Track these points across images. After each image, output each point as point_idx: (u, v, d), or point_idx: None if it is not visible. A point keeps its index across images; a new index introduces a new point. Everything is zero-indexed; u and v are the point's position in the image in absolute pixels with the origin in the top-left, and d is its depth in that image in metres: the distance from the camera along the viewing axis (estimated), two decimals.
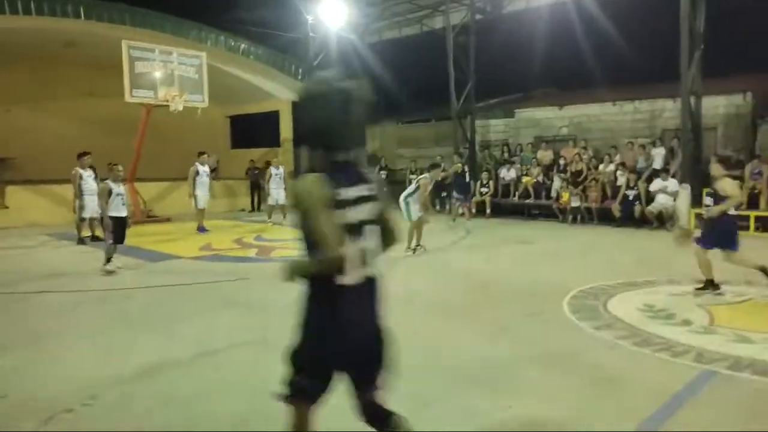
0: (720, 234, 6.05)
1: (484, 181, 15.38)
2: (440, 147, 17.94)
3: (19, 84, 16.09)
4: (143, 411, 3.40)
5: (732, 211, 6.08)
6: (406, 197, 9.07)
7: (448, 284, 6.99)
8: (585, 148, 14.69)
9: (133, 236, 8.67)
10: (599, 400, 3.52)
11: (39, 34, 14.26)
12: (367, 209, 2.11)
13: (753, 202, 11.59)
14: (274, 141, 20.19)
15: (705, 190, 12.00)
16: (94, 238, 10.49)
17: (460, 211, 14.03)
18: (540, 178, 14.79)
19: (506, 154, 16.56)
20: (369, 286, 2.17)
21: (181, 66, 13.80)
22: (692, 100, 12.62)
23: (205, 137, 17.40)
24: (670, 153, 13.47)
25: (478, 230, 12.37)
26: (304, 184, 2.03)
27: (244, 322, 5.33)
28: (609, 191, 13.14)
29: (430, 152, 18.49)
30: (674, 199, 12.12)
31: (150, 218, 13.97)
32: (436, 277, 7.41)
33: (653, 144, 13.82)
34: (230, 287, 6.95)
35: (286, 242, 10.98)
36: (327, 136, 2.06)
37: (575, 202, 13.48)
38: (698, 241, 6.25)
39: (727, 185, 6.10)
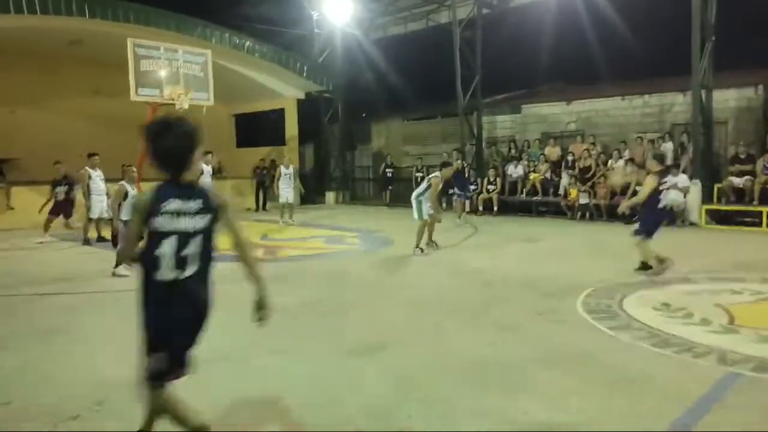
0: (653, 224, 6.73)
1: (491, 178, 15.25)
2: (447, 144, 17.79)
3: (24, 84, 16.02)
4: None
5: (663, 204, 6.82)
6: (418, 196, 9.00)
7: (458, 283, 6.89)
8: (594, 143, 14.53)
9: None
10: (621, 403, 3.40)
11: (44, 32, 14.18)
12: (187, 221, 2.51)
13: (765, 197, 11.41)
14: (279, 139, 20.11)
15: (718, 187, 12.04)
16: (100, 239, 10.43)
17: (467, 208, 13.98)
18: (548, 175, 14.65)
19: (513, 151, 16.42)
20: (183, 283, 2.52)
21: (186, 64, 13.73)
22: (703, 93, 12.45)
23: (211, 136, 17.13)
24: (681, 147, 13.30)
25: (485, 228, 12.25)
26: (138, 195, 2.48)
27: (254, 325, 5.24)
28: (618, 187, 12.98)
29: (436, 149, 18.37)
30: (685, 195, 11.96)
31: None
32: (446, 276, 7.31)
33: (662, 139, 13.65)
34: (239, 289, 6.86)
35: (293, 241, 10.91)
36: (161, 161, 2.55)
37: (583, 199, 13.34)
38: (637, 232, 6.79)
39: (646, 181, 6.82)
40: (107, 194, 10.06)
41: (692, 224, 11.97)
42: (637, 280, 6.61)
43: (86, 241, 10.45)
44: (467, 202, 14.43)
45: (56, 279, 7.45)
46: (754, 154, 12.18)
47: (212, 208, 2.57)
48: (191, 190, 2.55)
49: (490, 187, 15.18)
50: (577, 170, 13.90)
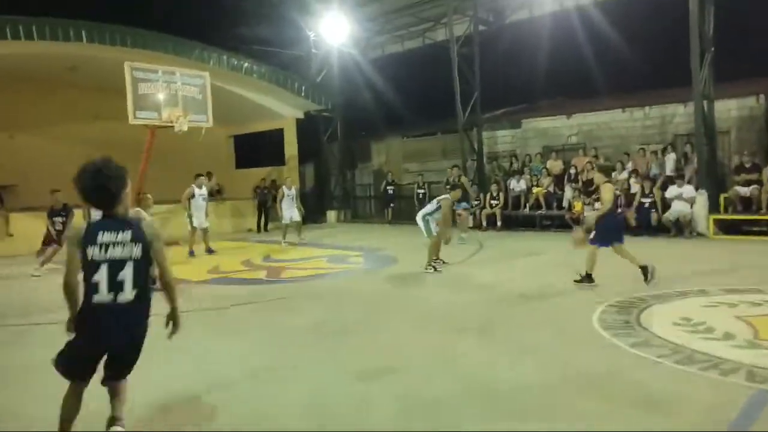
0: (608, 232, 6.89)
1: (494, 193, 15.14)
2: (447, 160, 17.72)
3: (23, 110, 15.96)
4: None
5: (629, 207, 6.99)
6: (425, 215, 8.89)
7: (469, 301, 6.70)
8: (596, 156, 14.44)
9: None
10: (648, 425, 3.22)
11: (41, 59, 14.15)
12: (119, 251, 2.87)
13: None
14: (279, 159, 20.02)
15: (724, 197, 11.90)
16: None
17: (470, 223, 13.84)
18: (551, 189, 14.54)
19: (515, 165, 16.34)
20: (118, 306, 2.88)
21: (184, 86, 13.67)
22: (705, 104, 12.40)
23: (209, 158, 17.23)
24: (684, 158, 13.22)
25: (490, 243, 12.10)
26: (72, 229, 3.17)
27: (257, 349, 5.07)
28: (622, 199, 12.85)
29: (437, 165, 18.30)
30: (691, 206, 11.84)
31: None
32: (457, 295, 7.13)
33: (665, 150, 13.58)
34: (240, 311, 6.69)
35: (296, 262, 10.74)
36: (92, 201, 2.92)
37: (588, 212, 13.19)
38: (592, 241, 6.96)
39: (604, 192, 6.94)
40: None
41: (700, 234, 11.82)
42: (651, 293, 6.43)
43: None
44: (470, 218, 14.30)
45: (56, 306, 7.25)
46: (759, 162, 12.09)
47: (142, 239, 2.91)
48: (121, 223, 2.93)
49: (494, 202, 15.06)
50: (580, 183, 13.80)
